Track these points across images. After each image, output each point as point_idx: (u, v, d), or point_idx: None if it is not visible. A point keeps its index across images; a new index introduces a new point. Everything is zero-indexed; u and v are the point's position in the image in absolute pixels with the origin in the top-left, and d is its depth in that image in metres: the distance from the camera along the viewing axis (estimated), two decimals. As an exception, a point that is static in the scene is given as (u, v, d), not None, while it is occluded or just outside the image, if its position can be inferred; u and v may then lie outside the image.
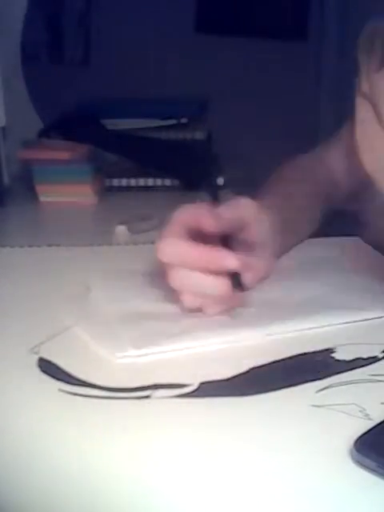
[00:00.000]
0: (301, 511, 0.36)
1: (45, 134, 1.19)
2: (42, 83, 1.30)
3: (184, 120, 1.22)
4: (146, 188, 1.13)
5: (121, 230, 0.85)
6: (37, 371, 0.51)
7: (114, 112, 1.24)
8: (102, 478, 0.39)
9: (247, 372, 0.50)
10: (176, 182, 1.13)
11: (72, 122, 1.20)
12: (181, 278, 0.57)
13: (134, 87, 1.47)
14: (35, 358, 0.52)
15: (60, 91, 1.44)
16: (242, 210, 0.60)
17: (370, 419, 0.43)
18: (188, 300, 0.58)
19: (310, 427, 0.44)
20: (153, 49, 1.66)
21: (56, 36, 1.66)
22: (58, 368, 0.51)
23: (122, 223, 0.86)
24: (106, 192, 1.09)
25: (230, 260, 0.56)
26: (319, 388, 0.48)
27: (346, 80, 1.96)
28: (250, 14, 1.80)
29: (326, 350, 0.53)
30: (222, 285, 0.57)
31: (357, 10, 1.71)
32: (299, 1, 1.82)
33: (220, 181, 1.19)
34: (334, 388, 0.48)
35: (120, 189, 1.13)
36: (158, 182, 1.14)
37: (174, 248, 0.57)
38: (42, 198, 1.05)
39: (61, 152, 1.05)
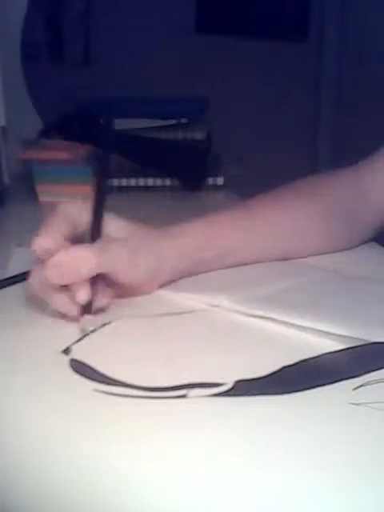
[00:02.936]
0: (345, 511, 0.36)
1: (45, 134, 1.19)
2: (41, 83, 1.30)
3: (184, 120, 1.22)
4: (146, 188, 1.13)
5: (121, 229, 0.85)
6: (69, 372, 0.50)
7: (114, 112, 1.24)
8: (139, 478, 0.38)
9: (281, 370, 0.49)
10: (176, 182, 1.13)
11: (72, 122, 1.20)
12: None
13: (134, 87, 1.47)
14: (66, 359, 0.52)
15: (60, 91, 1.44)
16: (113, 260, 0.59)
17: (410, 416, 0.43)
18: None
19: (350, 425, 0.43)
20: (153, 49, 1.66)
21: (56, 36, 1.66)
22: (90, 368, 0.50)
23: (121, 223, 0.86)
24: (106, 192, 1.09)
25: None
26: (355, 385, 0.47)
27: (346, 80, 1.97)
28: (250, 14, 1.80)
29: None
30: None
31: (357, 10, 1.71)
32: (299, 1, 1.82)
33: (220, 181, 1.20)
34: (370, 385, 0.47)
35: (120, 189, 1.13)
36: (158, 181, 1.14)
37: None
38: (41, 198, 1.05)
39: (61, 152, 1.05)
